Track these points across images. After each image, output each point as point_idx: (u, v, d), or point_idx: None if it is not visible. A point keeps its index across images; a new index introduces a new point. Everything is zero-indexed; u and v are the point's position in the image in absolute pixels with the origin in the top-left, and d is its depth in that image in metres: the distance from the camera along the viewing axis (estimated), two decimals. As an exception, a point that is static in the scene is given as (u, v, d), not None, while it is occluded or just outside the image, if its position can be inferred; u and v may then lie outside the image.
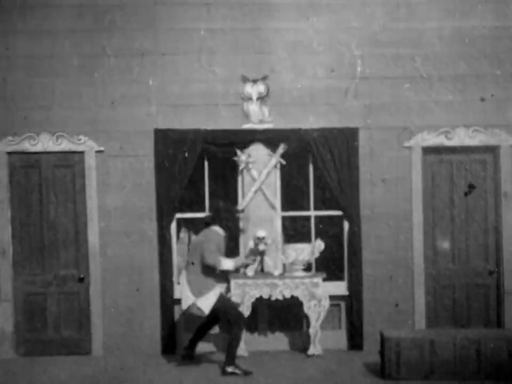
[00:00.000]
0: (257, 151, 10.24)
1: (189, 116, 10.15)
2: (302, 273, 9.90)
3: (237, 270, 9.77)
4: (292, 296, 9.82)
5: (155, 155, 10.13)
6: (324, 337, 9.93)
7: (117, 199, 10.15)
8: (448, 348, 8.63)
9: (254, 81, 10.18)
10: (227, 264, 9.23)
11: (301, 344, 10.12)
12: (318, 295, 9.77)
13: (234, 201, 10.24)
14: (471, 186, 9.82)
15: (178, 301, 9.74)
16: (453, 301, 10.24)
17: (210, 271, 9.23)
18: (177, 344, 10.11)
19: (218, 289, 9.26)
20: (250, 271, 9.95)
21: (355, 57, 10.15)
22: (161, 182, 10.11)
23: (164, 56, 10.14)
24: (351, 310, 10.11)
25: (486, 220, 10.23)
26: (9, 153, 10.13)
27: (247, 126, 10.19)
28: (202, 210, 10.24)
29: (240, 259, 9.57)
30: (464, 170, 10.18)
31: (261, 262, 10.07)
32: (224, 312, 9.21)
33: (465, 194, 9.91)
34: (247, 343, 9.86)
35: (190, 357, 9.56)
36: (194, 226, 10.39)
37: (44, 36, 10.08)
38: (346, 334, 10.22)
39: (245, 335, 9.74)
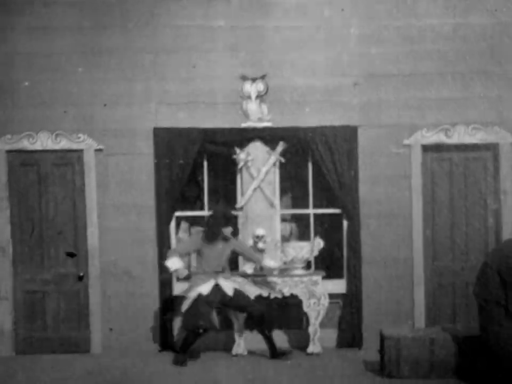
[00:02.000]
0: (256, 149, 10.22)
1: (188, 114, 10.13)
2: (301, 272, 9.89)
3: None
4: (291, 295, 9.80)
5: (154, 153, 10.11)
6: (324, 335, 9.96)
7: (116, 197, 10.13)
8: (448, 346, 8.61)
9: (253, 80, 10.16)
10: (169, 263, 9.49)
11: (300, 343, 10.10)
12: (317, 293, 9.75)
13: (233, 199, 10.24)
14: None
15: (177, 299, 9.75)
16: (453, 300, 10.24)
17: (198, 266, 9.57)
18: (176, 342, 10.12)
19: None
20: (249, 269, 9.94)
21: (354, 55, 10.13)
22: (161, 180, 10.09)
23: (162, 54, 10.12)
24: (350, 308, 10.11)
25: (486, 218, 10.21)
26: (8, 151, 10.10)
27: (246, 124, 10.17)
28: (202, 208, 10.24)
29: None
30: (464, 168, 10.20)
31: (261, 260, 10.07)
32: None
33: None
34: (246, 342, 9.84)
35: (182, 362, 9.40)
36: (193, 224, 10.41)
37: (43, 33, 10.06)
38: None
39: (244, 333, 9.76)
